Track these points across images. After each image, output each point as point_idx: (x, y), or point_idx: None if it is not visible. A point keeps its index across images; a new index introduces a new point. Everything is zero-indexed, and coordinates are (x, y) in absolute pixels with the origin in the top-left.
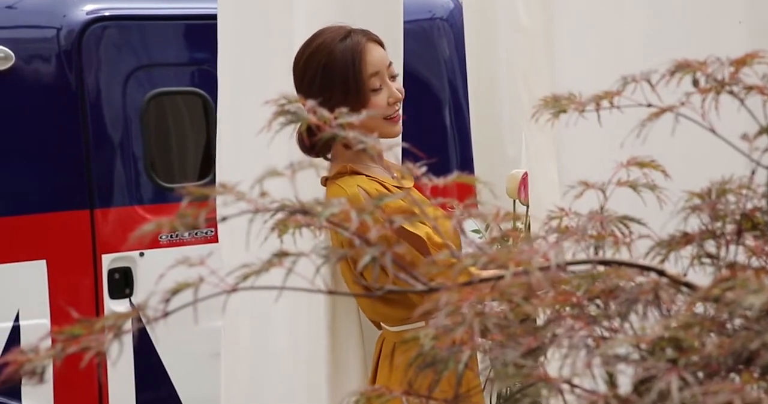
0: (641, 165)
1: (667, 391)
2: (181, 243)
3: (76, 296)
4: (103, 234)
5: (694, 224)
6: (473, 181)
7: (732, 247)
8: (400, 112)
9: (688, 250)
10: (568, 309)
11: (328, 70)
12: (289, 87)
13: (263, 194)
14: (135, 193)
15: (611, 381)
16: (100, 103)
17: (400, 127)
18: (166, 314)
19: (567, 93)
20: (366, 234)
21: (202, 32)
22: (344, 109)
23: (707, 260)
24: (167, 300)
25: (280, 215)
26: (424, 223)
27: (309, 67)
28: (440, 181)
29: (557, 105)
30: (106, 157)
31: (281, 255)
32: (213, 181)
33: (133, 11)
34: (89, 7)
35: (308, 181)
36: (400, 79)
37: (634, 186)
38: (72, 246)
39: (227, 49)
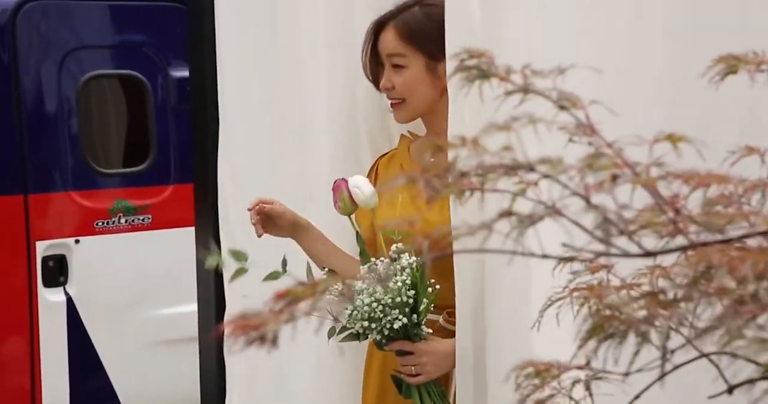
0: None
1: None
2: (118, 230)
3: (9, 284)
4: (37, 220)
5: None
6: None
7: None
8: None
9: None
10: None
11: None
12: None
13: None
14: (70, 177)
15: None
16: (34, 85)
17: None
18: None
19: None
20: None
21: (141, 14)
22: None
23: None
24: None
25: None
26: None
27: None
28: None
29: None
30: (41, 141)
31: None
32: (152, 165)
33: None
34: None
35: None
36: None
37: None
38: (5, 233)
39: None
